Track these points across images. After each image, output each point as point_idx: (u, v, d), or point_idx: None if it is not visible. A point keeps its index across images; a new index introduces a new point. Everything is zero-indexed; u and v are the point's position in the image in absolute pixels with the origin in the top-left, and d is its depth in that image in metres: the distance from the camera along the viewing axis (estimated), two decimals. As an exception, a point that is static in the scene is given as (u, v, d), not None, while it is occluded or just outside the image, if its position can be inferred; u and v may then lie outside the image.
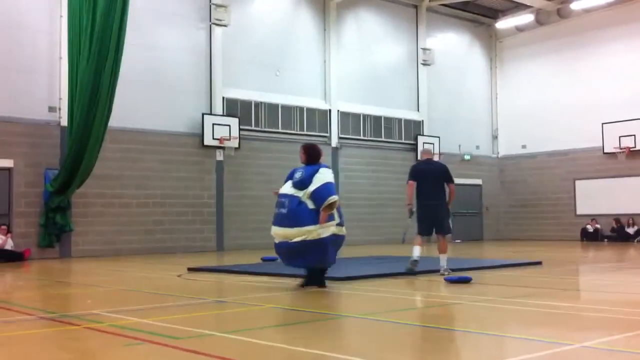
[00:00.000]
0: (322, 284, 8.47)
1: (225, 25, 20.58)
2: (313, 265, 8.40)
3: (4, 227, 16.14)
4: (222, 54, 20.57)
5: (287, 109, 22.07)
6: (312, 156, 8.58)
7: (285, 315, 6.61)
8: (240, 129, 20.49)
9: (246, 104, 21.14)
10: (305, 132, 22.39)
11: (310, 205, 8.11)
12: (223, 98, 20.64)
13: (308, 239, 8.07)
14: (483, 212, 27.38)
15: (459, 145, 26.67)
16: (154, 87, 19.10)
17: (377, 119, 24.41)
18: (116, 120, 17.23)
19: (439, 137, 25.53)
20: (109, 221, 18.09)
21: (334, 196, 8.14)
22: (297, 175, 8.37)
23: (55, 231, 16.97)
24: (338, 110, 23.34)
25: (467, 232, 25.79)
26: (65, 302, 7.52)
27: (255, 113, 21.33)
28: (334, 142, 23.21)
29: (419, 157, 24.23)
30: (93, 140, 16.48)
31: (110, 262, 15.38)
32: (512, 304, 6.91)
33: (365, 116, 24.10)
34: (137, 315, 6.19)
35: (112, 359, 4.49)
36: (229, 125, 20.30)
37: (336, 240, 8.34)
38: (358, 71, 24.01)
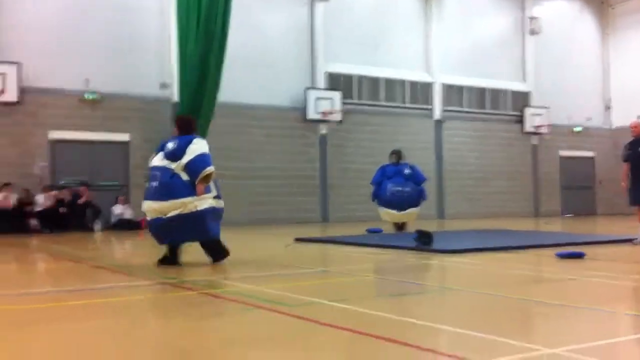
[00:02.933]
0: (217, 258, 8.19)
1: (326, 1, 20.65)
2: (193, 240, 8.14)
3: (122, 197, 17.09)
4: (323, 30, 20.69)
5: (389, 82, 21.96)
6: (183, 127, 8.18)
7: (392, 286, 6.66)
8: (342, 103, 20.60)
9: (348, 78, 21.20)
10: (407, 105, 22.24)
11: (185, 177, 7.75)
12: (325, 73, 20.80)
13: (184, 212, 7.68)
14: (596, 186, 26.28)
15: (569, 117, 25.63)
16: (259, 64, 19.51)
17: (481, 91, 23.85)
18: (224, 95, 17.75)
19: (547, 109, 24.64)
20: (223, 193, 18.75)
21: (210, 167, 7.82)
22: (170, 146, 7.90)
23: (170, 202, 17.79)
24: (441, 83, 22.98)
25: (578, 207, 24.89)
26: (182, 268, 7.88)
27: (357, 87, 21.37)
28: (437, 114, 22.90)
29: (525, 129, 23.57)
30: (203, 115, 17.10)
31: (224, 232, 15.92)
32: (627, 280, 6.66)
33: (468, 88, 23.61)
34: (249, 283, 6.43)
35: (227, 323, 4.70)
36: (332, 99, 20.45)
37: (215, 212, 8.04)
38: (461, 43, 23.49)
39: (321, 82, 20.77)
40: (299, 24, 20.60)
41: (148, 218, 8.00)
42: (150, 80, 18.05)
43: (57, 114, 16.94)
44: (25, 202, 15.89)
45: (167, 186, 7.68)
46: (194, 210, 7.72)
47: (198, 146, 7.83)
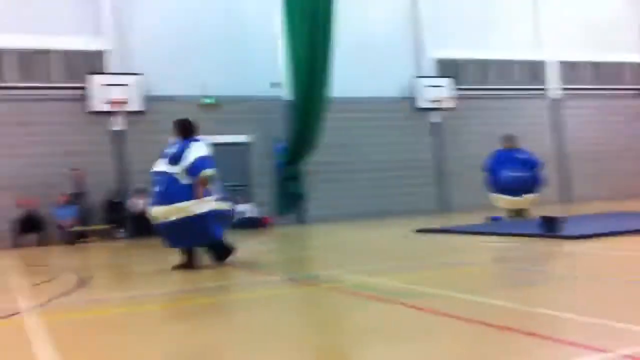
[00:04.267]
0: (221, 259, 8.19)
1: (431, -16, 20.39)
2: (198, 245, 8.11)
3: (244, 197, 17.68)
4: (429, 15, 20.43)
5: (499, 64, 21.40)
6: (183, 130, 8.17)
7: (518, 275, 6.52)
8: (453, 89, 20.28)
9: (457, 63, 20.84)
10: (520, 87, 21.58)
11: (185, 180, 7.81)
12: (433, 59, 20.54)
13: (185, 216, 7.77)
14: None
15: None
16: (365, 56, 19.54)
17: (597, 66, 22.71)
18: (338, 90, 17.88)
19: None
20: (339, 187, 19.07)
21: (208, 170, 7.83)
22: (171, 151, 8.02)
23: (290, 199, 18.27)
24: (555, 61, 22.10)
25: None
26: (304, 263, 8.10)
27: (466, 71, 20.97)
28: (553, 94, 22.05)
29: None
30: (315, 112, 17.37)
31: (342, 225, 16.19)
32: None
33: (584, 64, 22.57)
34: (371, 276, 6.50)
35: (356, 316, 4.78)
36: (441, 86, 20.18)
37: (219, 215, 8.04)
38: (573, 18, 22.45)
39: (430, 69, 20.53)
40: (403, 11, 20.44)
41: (158, 223, 8.08)
42: (262, 80, 18.50)
43: (178, 120, 17.70)
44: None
45: (168, 191, 7.84)
46: (193, 214, 7.81)
47: (197, 150, 7.91)
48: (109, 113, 16.90)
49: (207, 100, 17.97)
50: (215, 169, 7.96)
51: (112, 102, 16.72)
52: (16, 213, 15.31)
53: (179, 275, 7.64)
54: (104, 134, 17.07)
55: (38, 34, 16.44)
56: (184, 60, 17.77)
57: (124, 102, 16.85)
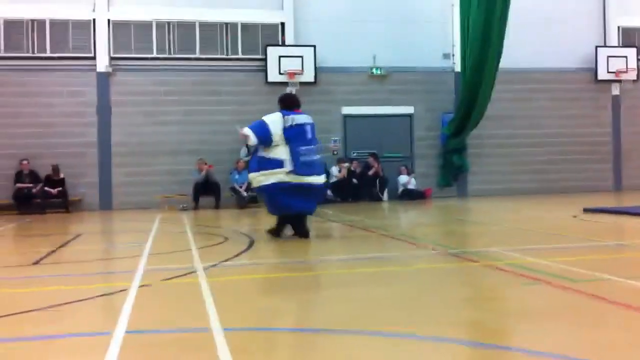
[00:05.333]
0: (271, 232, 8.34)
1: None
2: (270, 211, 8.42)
3: (406, 168, 17.77)
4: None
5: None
6: (279, 103, 8.50)
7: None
8: (637, 60, 18.82)
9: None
10: None
11: (260, 152, 8.11)
12: (618, 28, 19.16)
13: (254, 186, 8.35)
14: None
15: None
16: (542, 25, 18.63)
17: None
18: (506, 61, 17.34)
19: None
20: (502, 161, 18.55)
21: (245, 128, 8.04)
22: None
23: (452, 172, 18.11)
24: None
25: None
26: (464, 239, 8.07)
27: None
28: None
29: None
30: (485, 83, 16.98)
31: (504, 201, 15.81)
32: None
33: None
34: (533, 255, 6.36)
35: (510, 296, 4.75)
36: (626, 57, 18.80)
37: (288, 187, 7.97)
38: None
39: (614, 38, 19.17)
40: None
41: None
42: (433, 52, 18.33)
43: (348, 90, 18.12)
44: (322, 174, 17.38)
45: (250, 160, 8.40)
46: (257, 185, 8.23)
47: (267, 115, 8.23)
48: (284, 83, 17.64)
49: (376, 71, 18.15)
50: (252, 129, 8.04)
51: (287, 73, 17.43)
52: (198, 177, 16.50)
53: (350, 242, 7.90)
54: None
55: (224, 8, 17.45)
56: (355, 31, 18.04)
57: (298, 73, 17.50)
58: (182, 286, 5.33)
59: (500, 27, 16.75)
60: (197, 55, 17.51)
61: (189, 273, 5.81)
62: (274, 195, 8.11)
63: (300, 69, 17.50)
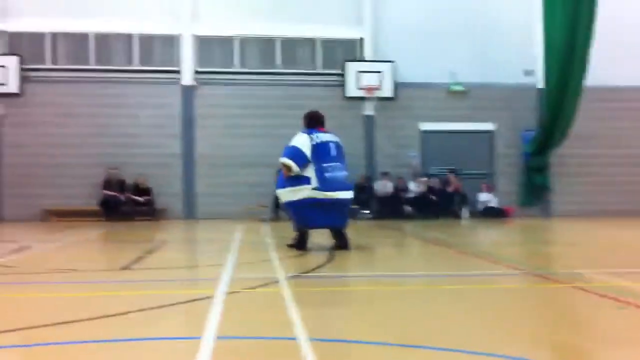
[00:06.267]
0: (297, 247, 8.39)
1: None
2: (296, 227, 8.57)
3: (487, 185, 17.50)
4: None
5: None
6: (304, 121, 8.81)
7: None
8: None
9: None
10: None
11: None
12: None
13: (281, 201, 8.75)
14: None
15: None
16: (628, 42, 18.01)
17: None
18: (592, 78, 16.86)
19: None
20: (588, 181, 18.02)
21: (282, 158, 8.32)
22: None
23: (535, 190, 17.67)
24: None
25: None
26: (549, 259, 7.86)
27: None
28: None
29: None
30: (569, 101, 16.57)
31: (589, 221, 15.32)
32: None
33: None
34: (623, 278, 6.13)
35: (598, 320, 4.58)
36: None
37: (315, 204, 8.18)
38: None
39: None
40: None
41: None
42: (513, 68, 18.02)
43: (426, 106, 18.03)
44: (400, 189, 17.32)
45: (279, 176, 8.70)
46: (284, 201, 8.62)
47: (294, 139, 8.49)
48: (362, 98, 17.72)
49: (456, 87, 17.98)
50: (291, 158, 8.26)
51: (365, 88, 17.49)
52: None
53: (428, 258, 7.85)
54: (357, 118, 17.92)
55: (305, 24, 17.73)
56: (434, 47, 17.96)
57: (377, 88, 17.54)
58: (266, 295, 5.42)
59: (585, 42, 16.32)
60: (278, 70, 17.82)
61: (272, 283, 5.89)
62: (301, 211, 8.36)
63: (379, 84, 17.53)
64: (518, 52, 18.07)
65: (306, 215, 8.33)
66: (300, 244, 8.49)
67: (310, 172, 8.25)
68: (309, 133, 8.48)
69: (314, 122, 8.73)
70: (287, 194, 8.40)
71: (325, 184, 8.23)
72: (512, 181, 18.02)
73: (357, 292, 5.82)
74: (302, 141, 8.37)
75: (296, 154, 8.29)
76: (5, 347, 3.72)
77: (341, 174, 8.47)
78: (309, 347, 3.54)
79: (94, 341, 3.82)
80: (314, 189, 8.21)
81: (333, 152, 8.45)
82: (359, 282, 6.43)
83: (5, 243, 11.00)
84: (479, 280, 6.39)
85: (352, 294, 5.73)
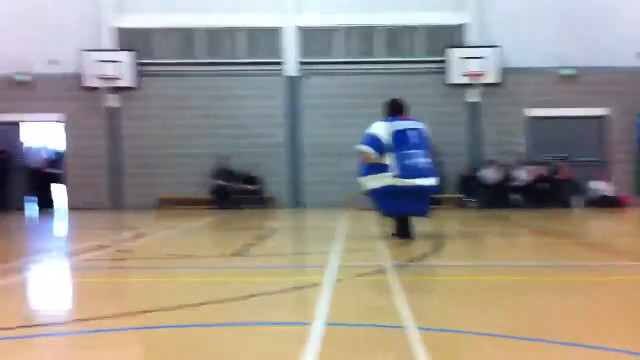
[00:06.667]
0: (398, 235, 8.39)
1: None
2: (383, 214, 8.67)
3: (600, 173, 16.80)
4: None
5: None
6: (383, 109, 8.89)
7: None
8: None
9: None
10: None
11: None
12: None
13: (363, 190, 8.68)
14: None
15: None
16: None
17: None
18: None
19: None
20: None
21: (359, 146, 8.42)
22: None
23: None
24: None
25: None
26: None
27: None
28: None
29: None
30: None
31: None
32: None
33: None
34: None
35: None
36: None
37: (395, 191, 8.19)
38: None
39: None
40: None
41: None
42: (626, 50, 17.15)
43: (533, 91, 17.48)
44: (507, 178, 16.91)
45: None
46: (365, 189, 8.63)
47: (371, 127, 8.53)
48: (466, 85, 17.41)
49: (566, 72, 17.33)
50: (370, 146, 8.32)
51: (469, 74, 17.17)
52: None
53: (538, 248, 7.70)
54: (460, 106, 17.65)
55: (406, 11, 17.61)
56: (542, 30, 17.36)
57: (481, 74, 17.18)
58: (374, 283, 5.50)
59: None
60: (379, 58, 17.80)
61: (379, 271, 5.97)
62: (383, 198, 8.44)
63: (483, 70, 17.16)
64: (631, 34, 17.17)
65: (388, 203, 8.41)
66: (400, 232, 8.52)
67: (390, 159, 8.29)
68: (388, 121, 8.56)
69: (394, 109, 8.78)
70: (369, 182, 8.50)
71: (405, 171, 8.23)
72: (626, 168, 17.19)
73: (465, 282, 5.80)
74: (380, 128, 8.44)
75: (373, 141, 8.36)
76: (125, 329, 4.00)
77: (423, 160, 8.41)
78: (418, 335, 3.59)
79: (209, 325, 4.04)
80: (394, 176, 8.25)
81: (414, 139, 8.43)
82: (466, 272, 6.39)
83: (125, 230, 11.68)
84: (593, 272, 6.20)
85: (459, 284, 5.71)
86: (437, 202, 16.73)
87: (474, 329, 3.86)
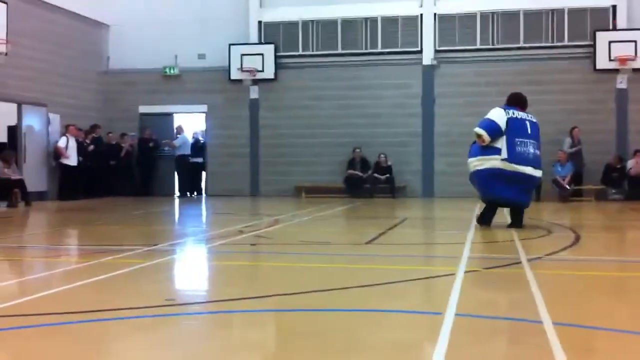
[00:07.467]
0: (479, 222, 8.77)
1: None
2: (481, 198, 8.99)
3: None
4: None
5: None
6: (507, 100, 9.07)
7: None
8: None
9: None
10: None
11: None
12: None
13: (469, 170, 8.80)
14: None
15: None
16: None
17: None
18: None
19: None
20: None
21: (476, 128, 8.58)
22: None
23: None
24: None
25: None
26: None
27: None
28: None
29: None
30: None
31: None
32: None
33: None
34: None
35: None
36: None
37: (501, 175, 8.33)
38: None
39: None
40: None
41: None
42: None
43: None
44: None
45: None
46: (471, 170, 8.76)
47: (489, 113, 8.70)
48: (613, 70, 16.44)
49: None
50: (484, 129, 8.49)
51: (619, 59, 16.20)
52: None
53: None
54: (608, 92, 16.68)
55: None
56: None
57: (632, 59, 16.15)
58: (508, 276, 5.40)
59: None
60: (521, 44, 17.18)
61: (513, 263, 5.83)
62: (486, 181, 8.61)
63: (634, 54, 16.11)
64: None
65: (490, 185, 8.58)
66: (483, 218, 8.79)
67: (501, 143, 8.45)
68: (506, 108, 8.75)
69: (515, 101, 9.02)
70: (475, 163, 8.68)
71: (514, 157, 8.39)
72: None
73: (604, 278, 5.54)
74: (497, 114, 8.63)
75: (489, 125, 8.56)
76: (261, 310, 4.20)
77: (533, 151, 8.55)
78: (553, 331, 3.49)
79: (340, 310, 4.14)
80: (503, 159, 8.39)
81: (528, 129, 8.59)
82: (606, 267, 6.09)
83: (263, 216, 12.15)
84: None
85: (598, 279, 5.46)
86: (577, 194, 15.99)
87: (614, 326, 3.71)
